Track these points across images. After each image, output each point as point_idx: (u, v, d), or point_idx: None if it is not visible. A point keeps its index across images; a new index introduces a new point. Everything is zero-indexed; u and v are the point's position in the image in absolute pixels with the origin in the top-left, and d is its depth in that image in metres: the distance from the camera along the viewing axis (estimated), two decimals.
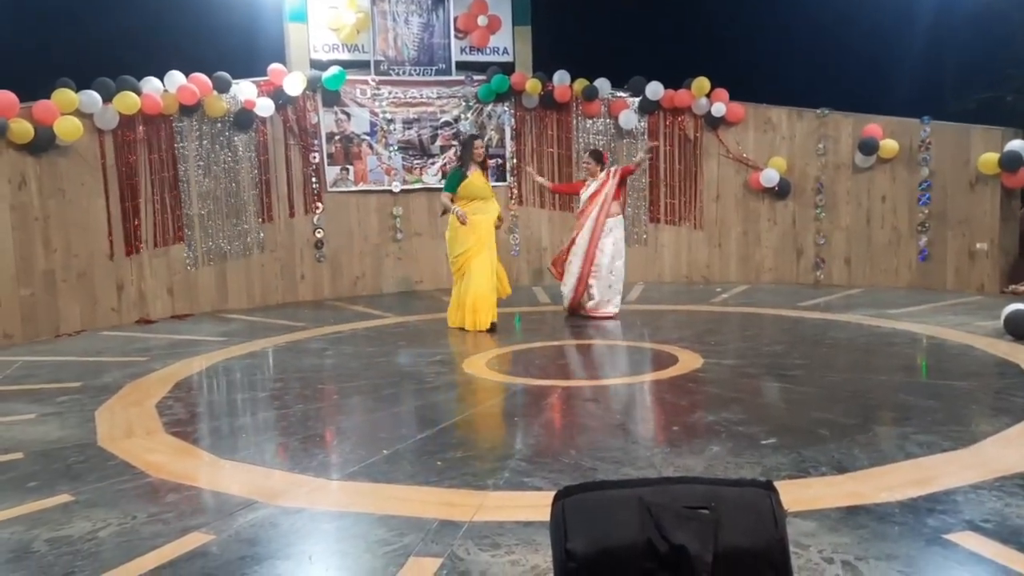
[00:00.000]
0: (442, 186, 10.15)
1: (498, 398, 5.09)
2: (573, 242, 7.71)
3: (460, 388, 5.41)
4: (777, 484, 3.15)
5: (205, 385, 5.75)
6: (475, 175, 7.27)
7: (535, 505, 3.15)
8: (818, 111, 9.64)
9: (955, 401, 4.58)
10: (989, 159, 8.30)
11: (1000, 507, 3.05)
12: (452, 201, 7.26)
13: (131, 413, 4.84)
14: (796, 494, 3.15)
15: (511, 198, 10.48)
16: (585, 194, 7.77)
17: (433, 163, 10.28)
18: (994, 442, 3.81)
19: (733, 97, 10.04)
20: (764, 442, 3.88)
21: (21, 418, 4.82)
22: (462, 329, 7.22)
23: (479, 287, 7.17)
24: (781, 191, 9.80)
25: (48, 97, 7.63)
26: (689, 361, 5.76)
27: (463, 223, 7.08)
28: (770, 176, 9.73)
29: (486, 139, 10.39)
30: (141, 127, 8.44)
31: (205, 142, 9.00)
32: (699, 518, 2.19)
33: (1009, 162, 8.13)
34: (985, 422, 4.14)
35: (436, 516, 3.12)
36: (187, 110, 8.76)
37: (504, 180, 10.47)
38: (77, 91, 7.81)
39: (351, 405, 5.10)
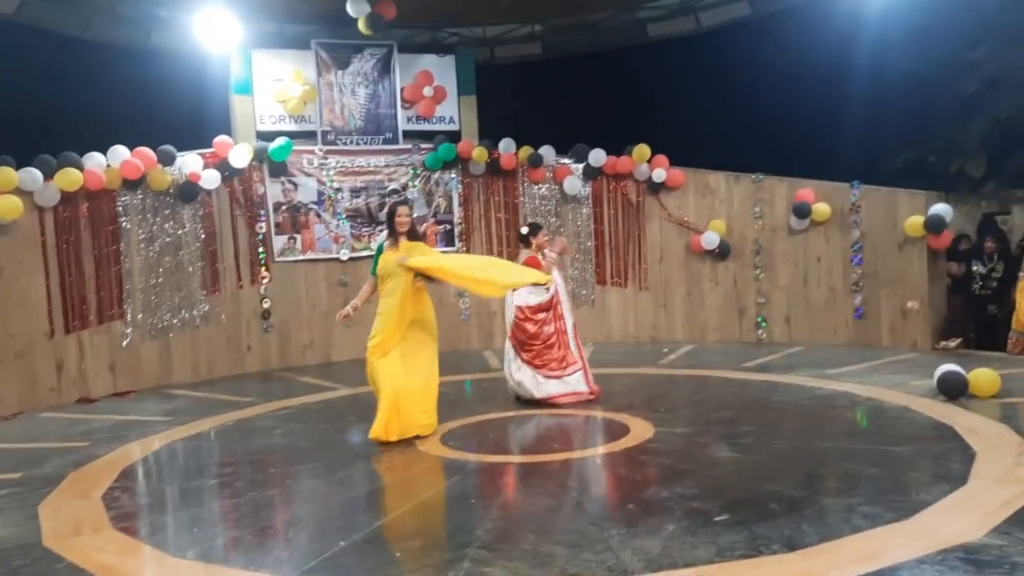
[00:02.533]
0: None
1: (453, 478, 5.08)
2: (558, 334, 7.10)
3: (414, 467, 5.38)
4: (731, 566, 3.23)
5: (152, 472, 5.62)
6: (389, 252, 6.00)
7: None
8: (753, 176, 10.02)
9: (896, 467, 4.74)
10: (915, 222, 8.71)
11: None
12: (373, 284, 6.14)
13: (76, 507, 4.71)
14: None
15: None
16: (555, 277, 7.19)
17: (381, 230, 10.31)
18: (935, 511, 3.95)
19: (673, 163, 10.38)
20: (717, 519, 3.96)
21: None
22: (380, 442, 5.75)
23: (396, 383, 5.81)
24: (722, 253, 10.10)
25: None
26: (641, 430, 5.85)
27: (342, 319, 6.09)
28: (711, 238, 10.03)
29: (434, 206, 10.57)
30: (83, 203, 8.33)
31: (149, 215, 8.92)
32: None
33: (934, 225, 8.55)
34: (925, 490, 4.29)
35: None
36: (131, 184, 8.70)
37: (453, 245, 10.59)
38: (17, 169, 7.71)
39: (304, 491, 5.04)
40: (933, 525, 3.79)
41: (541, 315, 7.08)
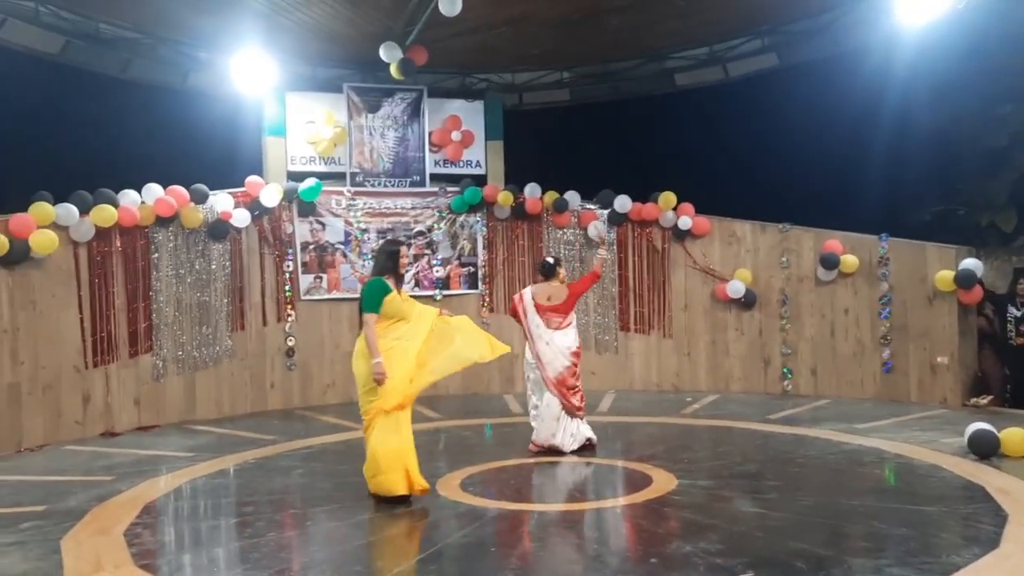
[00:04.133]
0: (415, 294, 10.35)
1: (472, 525, 5.03)
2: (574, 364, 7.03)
3: (434, 514, 5.34)
4: None
5: (173, 510, 5.62)
6: (397, 294, 5.57)
7: None
8: (780, 226, 10.00)
9: (926, 528, 4.64)
10: (945, 276, 8.62)
11: None
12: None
13: (98, 543, 4.71)
14: None
15: (483, 305, 10.61)
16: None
17: (406, 271, 10.39)
18: (966, 575, 3.86)
19: (699, 211, 10.39)
20: None
21: None
22: (377, 497, 5.44)
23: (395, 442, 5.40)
24: (747, 302, 10.05)
25: (25, 210, 7.68)
26: (663, 482, 5.78)
27: (378, 382, 5.38)
28: (736, 287, 9.99)
29: (458, 248, 10.63)
30: (117, 239, 8.48)
31: (179, 252, 9.05)
32: None
33: (964, 280, 8.46)
34: (956, 552, 4.19)
35: None
36: (163, 221, 8.85)
37: (476, 288, 10.63)
38: (54, 204, 7.88)
39: (323, 533, 5.02)
40: None
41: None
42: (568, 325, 6.98)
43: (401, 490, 5.32)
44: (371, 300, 5.48)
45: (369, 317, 5.46)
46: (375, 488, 5.42)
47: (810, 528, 4.76)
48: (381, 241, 10.24)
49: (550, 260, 7.19)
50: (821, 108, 11.50)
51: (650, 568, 4.12)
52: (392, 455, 5.33)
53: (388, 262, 5.62)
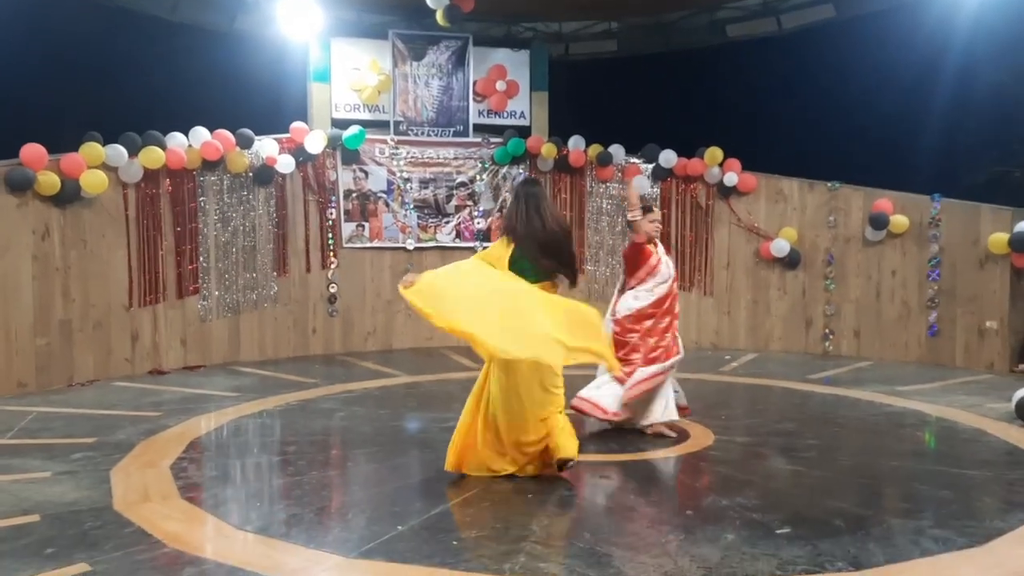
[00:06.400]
0: (457, 245, 10.37)
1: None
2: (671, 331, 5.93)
3: None
4: None
5: (218, 446, 5.77)
6: (498, 245, 4.88)
7: None
8: (829, 184, 9.78)
9: (968, 492, 4.58)
10: (999, 239, 8.39)
11: None
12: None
13: (146, 475, 4.86)
14: None
15: None
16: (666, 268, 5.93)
17: (447, 222, 10.42)
18: (1009, 540, 3.80)
19: (745, 167, 10.20)
20: (779, 532, 3.88)
21: (37, 476, 4.84)
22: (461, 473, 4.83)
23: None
24: (791, 261, 9.89)
25: (76, 150, 7.80)
26: (701, 437, 5.77)
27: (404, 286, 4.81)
28: (781, 246, 9.83)
29: (500, 200, 10.58)
30: (165, 180, 8.60)
31: (225, 196, 9.15)
32: None
33: (1019, 243, 8.22)
34: (999, 517, 4.13)
35: None
36: (210, 165, 8.93)
37: None
38: (104, 145, 7.99)
39: (363, 474, 5.12)
40: (1007, 553, 3.65)
41: (647, 323, 5.79)
42: (630, 287, 5.92)
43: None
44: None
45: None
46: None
47: (849, 487, 4.73)
48: (423, 191, 10.34)
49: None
50: (877, 63, 11.17)
51: (686, 520, 4.13)
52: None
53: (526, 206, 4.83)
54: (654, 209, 6.07)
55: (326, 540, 3.83)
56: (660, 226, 6.02)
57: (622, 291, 5.95)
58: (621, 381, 5.72)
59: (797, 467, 5.16)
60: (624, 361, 5.66)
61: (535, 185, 5.03)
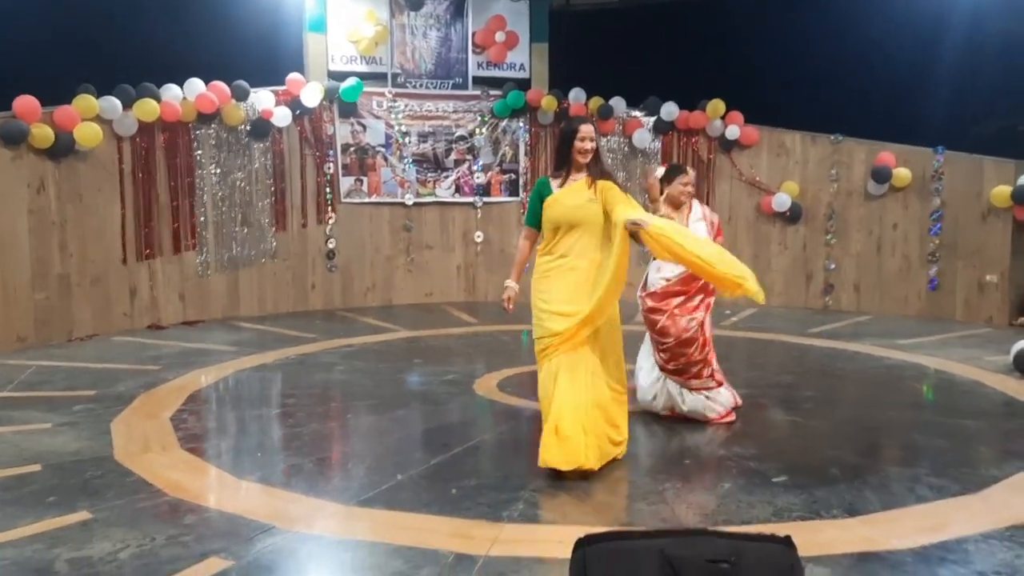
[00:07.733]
0: (456, 200, 10.31)
1: (509, 423, 5.12)
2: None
3: (471, 411, 5.44)
4: (789, 527, 3.18)
5: (218, 399, 5.79)
6: (568, 189, 4.19)
7: (551, 540, 3.19)
8: (832, 137, 9.68)
9: (965, 442, 4.61)
10: (1002, 192, 8.32)
11: (1011, 558, 3.08)
12: (532, 240, 4.40)
13: (147, 426, 4.89)
14: (809, 538, 3.17)
15: (523, 213, 10.50)
16: (702, 228, 5.17)
17: (447, 177, 10.34)
18: (1003, 488, 3.83)
19: (748, 120, 10.08)
20: (775, 480, 3.91)
21: (38, 427, 4.87)
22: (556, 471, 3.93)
23: (567, 395, 4.01)
24: (793, 216, 9.83)
25: (69, 103, 7.70)
26: None
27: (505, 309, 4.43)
28: (782, 200, 9.76)
29: (500, 154, 10.48)
30: (160, 134, 8.51)
31: (222, 150, 9.06)
32: (721, 573, 2.24)
33: (1022, 196, 8.15)
34: (995, 466, 4.16)
35: (452, 549, 3.15)
36: (205, 118, 8.82)
37: (517, 195, 10.53)
38: (98, 97, 7.88)
39: (363, 425, 5.14)
40: (1002, 501, 3.68)
41: (676, 300, 4.96)
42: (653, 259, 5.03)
43: (549, 460, 3.89)
44: (528, 208, 4.36)
45: (524, 232, 4.40)
46: (561, 460, 3.90)
47: (846, 437, 4.76)
48: (422, 145, 10.23)
49: (658, 172, 5.34)
50: (884, 12, 10.96)
51: (683, 469, 4.16)
52: (544, 407, 4.13)
53: (562, 148, 4.28)
54: (688, 171, 5.22)
55: (326, 489, 3.86)
56: (693, 189, 5.21)
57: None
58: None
59: (795, 418, 5.18)
60: (663, 345, 4.98)
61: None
